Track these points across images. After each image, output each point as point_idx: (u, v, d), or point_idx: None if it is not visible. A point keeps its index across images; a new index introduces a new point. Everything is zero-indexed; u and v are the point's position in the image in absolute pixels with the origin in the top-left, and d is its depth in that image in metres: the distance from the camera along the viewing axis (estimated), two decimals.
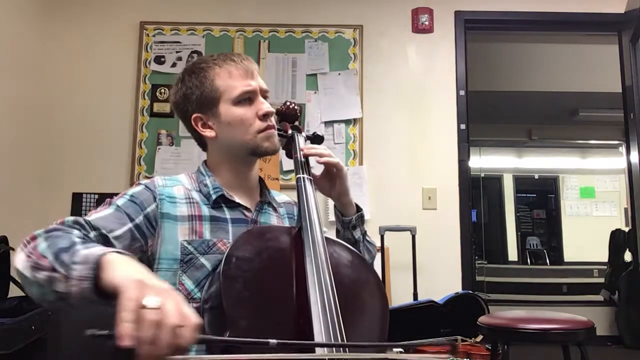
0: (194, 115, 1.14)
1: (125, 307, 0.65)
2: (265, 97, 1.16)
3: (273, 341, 0.70)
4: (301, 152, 1.21)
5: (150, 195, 1.07)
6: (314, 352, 0.84)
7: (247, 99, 1.13)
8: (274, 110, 1.17)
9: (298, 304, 0.93)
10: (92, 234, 0.94)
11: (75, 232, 0.91)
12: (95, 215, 1.00)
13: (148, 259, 1.04)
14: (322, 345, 0.84)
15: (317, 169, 1.23)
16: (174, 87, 1.18)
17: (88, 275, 0.76)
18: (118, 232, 0.98)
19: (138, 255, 1.01)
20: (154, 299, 0.66)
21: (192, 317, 0.68)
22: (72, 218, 0.95)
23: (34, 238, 0.88)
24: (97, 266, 0.76)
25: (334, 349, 0.85)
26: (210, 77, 1.12)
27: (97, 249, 0.80)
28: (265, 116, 1.13)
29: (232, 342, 0.73)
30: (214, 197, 1.11)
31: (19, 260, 0.86)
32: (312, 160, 1.23)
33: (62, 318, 1.29)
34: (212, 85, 1.12)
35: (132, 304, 0.65)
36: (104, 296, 0.75)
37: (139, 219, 1.03)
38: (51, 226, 0.91)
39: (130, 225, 1.01)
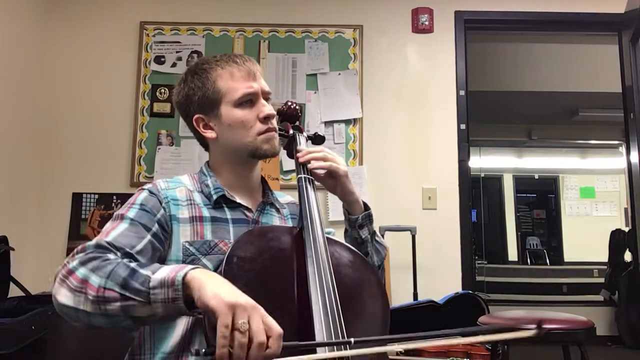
0: (196, 116, 1.15)
1: (221, 332, 0.75)
2: (267, 99, 1.16)
3: (352, 339, 0.78)
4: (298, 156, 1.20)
5: (156, 200, 1.07)
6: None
7: (248, 100, 1.13)
8: (275, 113, 1.17)
9: (299, 304, 0.93)
10: (119, 254, 0.94)
11: (112, 256, 0.92)
12: (113, 234, 0.98)
13: (163, 263, 1.03)
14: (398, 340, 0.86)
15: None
16: (177, 87, 1.18)
17: (178, 296, 0.81)
18: (139, 247, 0.98)
19: None
20: (243, 320, 0.76)
21: (276, 328, 0.77)
22: (92, 243, 0.94)
23: (71, 272, 0.88)
24: (183, 287, 0.81)
25: (335, 348, 0.85)
26: (212, 79, 1.12)
27: (168, 269, 0.85)
28: (266, 119, 1.13)
29: (311, 345, 0.80)
30: (214, 197, 1.12)
31: (64, 297, 0.86)
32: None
33: (62, 318, 1.28)
34: (214, 87, 1.12)
35: (226, 330, 0.75)
36: (194, 308, 0.82)
37: (155, 228, 1.03)
38: (81, 257, 0.90)
39: (148, 236, 1.01)
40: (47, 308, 2.31)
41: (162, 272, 0.84)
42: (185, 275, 0.82)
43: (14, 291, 2.59)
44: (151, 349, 1.01)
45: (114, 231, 0.99)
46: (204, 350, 0.76)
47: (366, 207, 1.22)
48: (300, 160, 1.18)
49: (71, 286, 0.86)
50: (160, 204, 1.07)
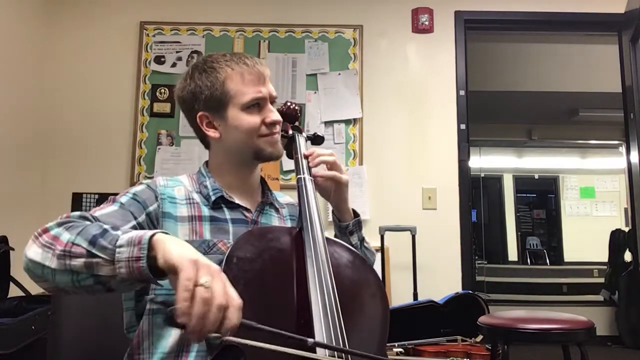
0: (200, 114, 1.14)
1: (183, 287, 0.71)
2: (272, 103, 1.16)
3: (310, 340, 0.74)
4: (303, 155, 1.20)
5: (152, 194, 1.08)
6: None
7: (256, 104, 1.13)
8: (281, 119, 1.17)
9: (299, 304, 0.93)
10: None
11: (92, 222, 0.91)
12: (100, 212, 1.00)
13: None
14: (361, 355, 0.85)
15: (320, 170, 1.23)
16: (182, 82, 1.17)
17: (142, 255, 0.78)
18: (122, 229, 0.98)
19: None
20: (206, 277, 0.72)
21: (236, 299, 0.74)
22: (78, 213, 0.95)
23: (46, 230, 0.88)
24: (149, 246, 0.79)
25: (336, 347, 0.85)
26: (222, 79, 1.11)
27: (137, 231, 0.83)
28: (272, 124, 1.13)
29: (270, 332, 0.75)
30: (213, 198, 1.12)
31: (33, 252, 0.85)
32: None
33: (62, 318, 1.29)
34: (222, 88, 1.11)
35: (189, 283, 0.71)
36: (156, 274, 0.79)
37: (142, 218, 1.03)
38: (60, 219, 0.91)
39: (134, 222, 1.01)
40: (47, 308, 2.31)
41: (131, 233, 0.83)
42: (153, 235, 0.80)
43: (14, 291, 2.59)
44: (149, 349, 1.01)
45: (101, 210, 1.01)
46: (167, 302, 0.73)
47: (355, 214, 1.24)
48: (312, 163, 1.18)
49: (42, 242, 0.85)
50: (156, 199, 1.07)
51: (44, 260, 0.84)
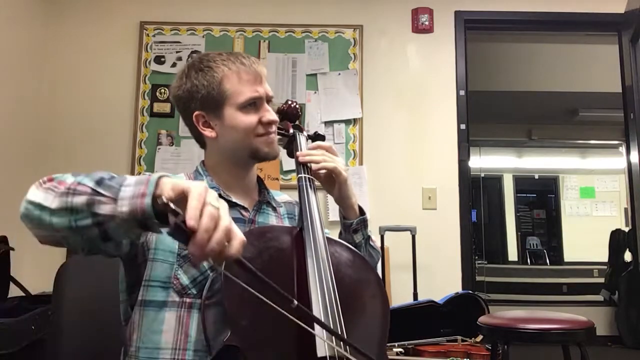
0: (196, 113, 1.13)
1: (194, 197, 0.73)
2: (269, 102, 1.16)
3: (295, 302, 0.76)
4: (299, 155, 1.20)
5: None
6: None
7: (252, 104, 1.12)
8: (277, 119, 1.16)
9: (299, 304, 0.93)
10: None
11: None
12: None
13: (142, 247, 1.03)
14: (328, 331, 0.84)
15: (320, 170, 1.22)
16: (178, 81, 1.16)
17: (148, 191, 0.77)
18: None
19: (130, 243, 1.00)
20: (215, 202, 0.75)
21: (240, 233, 0.76)
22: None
23: (51, 179, 0.86)
24: (156, 184, 0.78)
25: (335, 346, 0.85)
26: (218, 78, 1.11)
27: (147, 175, 0.82)
28: (268, 124, 1.13)
29: (261, 279, 0.75)
30: None
31: (33, 194, 0.84)
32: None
33: (62, 318, 1.29)
34: (219, 87, 1.10)
35: (200, 197, 0.73)
36: (159, 215, 0.76)
37: None
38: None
39: None
40: (47, 308, 2.30)
41: (142, 176, 0.82)
42: (161, 176, 0.80)
43: (14, 291, 2.59)
44: (137, 341, 1.01)
45: None
46: (179, 219, 0.71)
47: (362, 212, 1.23)
48: (300, 160, 1.18)
49: (45, 186, 0.84)
50: None
51: (44, 201, 0.82)
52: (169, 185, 0.77)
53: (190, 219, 0.70)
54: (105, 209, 0.78)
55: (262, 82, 1.14)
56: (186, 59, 3.26)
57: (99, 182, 0.80)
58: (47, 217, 0.81)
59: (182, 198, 0.75)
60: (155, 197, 0.76)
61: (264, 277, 0.75)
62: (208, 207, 0.73)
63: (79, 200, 0.80)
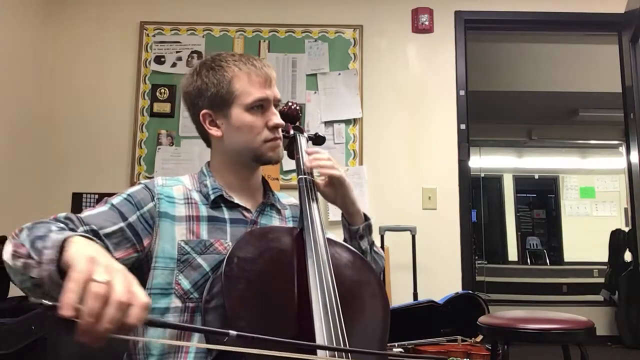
0: (204, 111, 1.13)
1: (72, 278, 0.65)
2: (276, 106, 1.16)
3: (233, 333, 0.67)
4: (303, 157, 1.20)
5: (149, 194, 1.08)
6: (315, 353, 0.84)
7: (259, 106, 1.12)
8: (283, 123, 1.17)
9: (299, 305, 0.93)
10: (81, 229, 0.95)
11: (59, 224, 0.92)
12: (88, 213, 1.01)
13: (146, 257, 1.04)
14: (320, 348, 0.84)
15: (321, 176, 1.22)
16: (189, 77, 1.16)
17: (54, 257, 0.76)
18: (108, 230, 0.99)
19: (131, 256, 1.01)
20: (103, 274, 0.66)
21: (141, 296, 0.67)
22: (64, 214, 0.97)
23: (21, 230, 0.89)
24: (61, 249, 0.77)
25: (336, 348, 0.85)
26: (229, 78, 1.11)
27: (67, 233, 0.81)
28: (274, 128, 1.13)
29: (184, 328, 0.72)
30: (212, 197, 1.11)
31: (6, 251, 0.87)
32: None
33: (62, 318, 1.28)
34: (229, 86, 1.11)
35: (79, 276, 0.66)
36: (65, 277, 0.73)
37: (133, 218, 1.03)
38: (41, 219, 0.92)
39: (122, 224, 1.01)
40: None
41: (64, 233, 0.80)
42: (67, 237, 0.77)
43: (14, 291, 2.59)
44: (144, 349, 1.01)
45: (91, 211, 1.02)
46: (48, 303, 0.63)
47: (366, 217, 1.22)
48: (307, 165, 1.18)
49: (12, 242, 0.87)
50: (152, 199, 1.07)
51: (7, 260, 0.85)
52: (66, 252, 0.75)
53: (63, 308, 0.62)
54: (34, 272, 0.79)
55: (272, 86, 1.14)
56: (186, 59, 3.26)
57: (32, 243, 0.82)
58: (12, 276, 0.85)
59: (68, 268, 0.71)
60: (59, 264, 0.75)
61: (190, 325, 0.71)
62: (91, 285, 0.64)
63: (19, 264, 0.82)
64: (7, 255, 0.86)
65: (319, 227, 1.05)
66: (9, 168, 2.92)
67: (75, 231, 0.91)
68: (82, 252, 0.73)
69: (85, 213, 1.01)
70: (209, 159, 1.21)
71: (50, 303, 0.63)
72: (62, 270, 0.75)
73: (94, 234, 0.95)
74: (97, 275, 0.66)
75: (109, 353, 1.18)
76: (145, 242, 1.04)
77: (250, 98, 1.11)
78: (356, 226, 1.20)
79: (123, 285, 0.66)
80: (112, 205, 1.04)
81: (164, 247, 1.04)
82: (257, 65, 1.13)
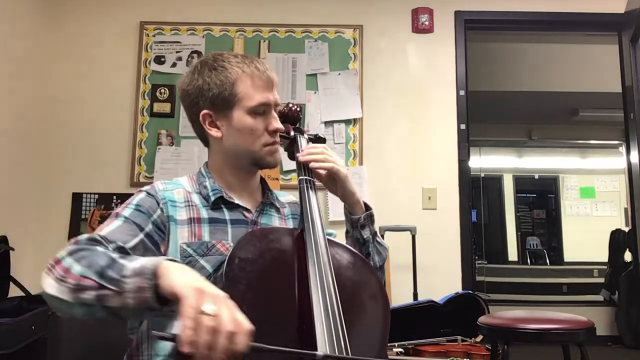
0: (204, 111, 1.13)
1: (186, 314, 0.70)
2: (276, 110, 1.16)
3: (320, 353, 0.73)
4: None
5: (154, 201, 1.07)
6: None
7: (261, 110, 1.12)
8: (283, 128, 1.17)
9: (300, 305, 0.93)
10: (110, 247, 0.94)
11: (101, 248, 0.91)
12: (107, 229, 0.99)
13: None
14: None
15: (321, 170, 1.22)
16: (189, 76, 1.15)
17: (147, 285, 0.78)
18: (132, 244, 0.98)
19: None
20: (211, 306, 0.71)
21: (245, 324, 0.72)
22: (85, 236, 0.95)
23: (58, 262, 0.87)
24: (154, 276, 0.78)
25: (336, 350, 0.85)
26: (232, 79, 1.10)
27: (145, 260, 0.82)
28: (274, 132, 1.14)
29: (281, 351, 0.75)
30: (212, 198, 1.11)
31: (49, 286, 0.86)
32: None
33: (62, 318, 1.29)
34: (231, 88, 1.10)
35: (192, 311, 0.70)
36: (163, 303, 0.78)
37: (149, 228, 1.03)
38: (70, 247, 0.90)
39: (141, 235, 1.01)
40: (47, 308, 2.30)
41: (138, 261, 0.82)
42: (158, 264, 0.80)
43: (14, 291, 2.59)
44: (148, 350, 1.01)
45: (107, 227, 1.00)
46: (166, 335, 0.71)
47: (367, 207, 1.22)
48: (300, 160, 1.18)
49: (56, 275, 0.85)
50: (158, 204, 1.07)
51: (61, 294, 0.84)
52: (165, 281, 0.77)
53: (185, 345, 0.68)
54: (113, 301, 0.81)
55: (273, 90, 1.15)
56: (186, 59, 3.26)
57: (102, 274, 0.82)
58: (68, 308, 0.85)
59: (177, 300, 0.74)
60: (156, 287, 0.77)
61: (281, 348, 0.75)
62: (204, 319, 0.70)
63: (89, 296, 0.82)
64: (55, 290, 0.84)
65: (320, 228, 1.05)
66: (9, 168, 2.92)
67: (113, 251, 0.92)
68: (186, 281, 0.76)
69: (105, 231, 0.99)
70: (208, 159, 1.21)
71: (169, 335, 0.70)
72: (158, 296, 0.78)
73: (121, 251, 0.94)
74: (206, 306, 0.71)
75: (109, 353, 1.18)
76: (162, 249, 1.04)
77: (254, 102, 1.11)
78: (357, 216, 1.19)
79: (229, 314, 0.71)
80: (126, 218, 1.02)
81: (170, 252, 1.05)
82: (260, 69, 1.12)
